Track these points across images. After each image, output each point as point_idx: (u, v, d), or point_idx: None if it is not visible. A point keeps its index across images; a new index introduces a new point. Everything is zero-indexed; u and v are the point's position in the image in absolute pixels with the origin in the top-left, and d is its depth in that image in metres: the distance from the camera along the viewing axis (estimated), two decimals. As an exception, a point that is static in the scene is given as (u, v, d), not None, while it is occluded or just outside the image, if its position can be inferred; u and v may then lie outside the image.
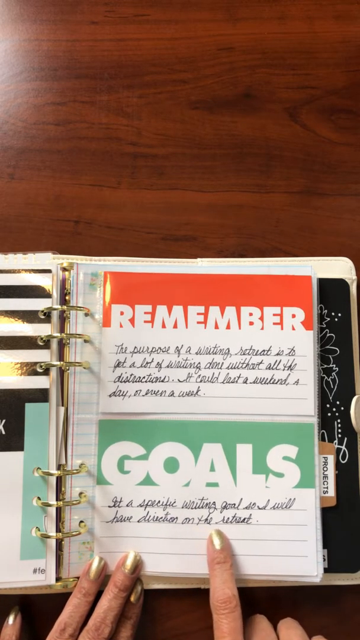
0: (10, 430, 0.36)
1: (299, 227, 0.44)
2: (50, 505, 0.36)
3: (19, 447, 0.36)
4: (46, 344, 0.37)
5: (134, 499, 0.37)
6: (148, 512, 0.37)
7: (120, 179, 0.44)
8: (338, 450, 0.39)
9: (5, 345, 0.37)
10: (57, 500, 0.36)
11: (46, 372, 0.37)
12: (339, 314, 0.40)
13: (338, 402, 0.39)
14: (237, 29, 0.47)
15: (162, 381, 0.38)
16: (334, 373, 0.39)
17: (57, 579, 0.36)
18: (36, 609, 0.38)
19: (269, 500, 0.37)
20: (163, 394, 0.38)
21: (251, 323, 0.38)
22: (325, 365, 0.39)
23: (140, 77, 0.46)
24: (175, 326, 0.38)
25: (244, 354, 0.38)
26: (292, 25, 0.47)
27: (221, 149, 0.45)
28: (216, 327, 0.38)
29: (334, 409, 0.39)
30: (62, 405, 0.37)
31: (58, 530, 0.36)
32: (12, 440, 0.36)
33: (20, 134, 0.44)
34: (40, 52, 0.46)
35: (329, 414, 0.39)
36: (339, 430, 0.39)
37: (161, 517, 0.37)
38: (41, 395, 0.37)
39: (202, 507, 0.37)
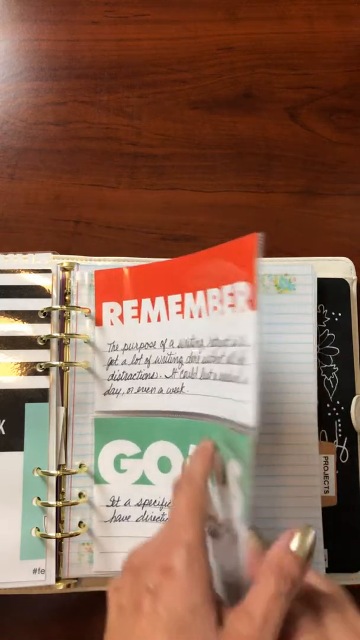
0: (10, 430, 0.36)
1: (299, 227, 0.44)
2: (50, 506, 0.36)
3: (19, 447, 0.36)
4: (46, 344, 0.37)
5: (132, 498, 0.37)
6: (146, 512, 0.36)
7: (120, 179, 0.44)
8: (338, 450, 0.39)
9: (5, 345, 0.37)
10: (56, 500, 0.36)
11: (46, 372, 0.37)
12: (339, 314, 0.40)
13: (338, 402, 0.39)
14: (237, 29, 0.47)
15: (151, 377, 0.37)
16: (334, 373, 0.39)
17: (57, 579, 0.36)
18: (36, 609, 0.38)
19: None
20: (152, 391, 0.37)
21: (215, 308, 0.32)
22: (325, 365, 0.39)
23: (140, 77, 0.46)
24: (158, 319, 0.37)
25: (212, 346, 0.32)
26: (292, 25, 0.47)
27: (221, 149, 0.45)
28: (191, 316, 0.35)
29: (334, 409, 0.39)
30: (62, 405, 0.37)
31: (58, 530, 0.36)
32: (12, 441, 0.36)
33: (20, 133, 0.44)
34: (40, 52, 0.46)
35: (329, 414, 0.39)
36: (339, 430, 0.39)
37: (158, 517, 0.36)
38: (41, 395, 0.37)
39: None
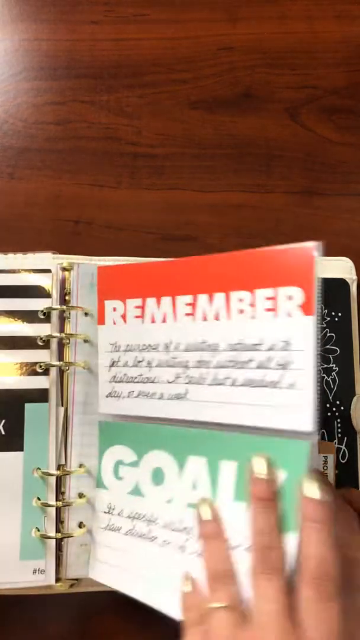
0: (10, 430, 0.36)
1: (299, 227, 0.44)
2: (49, 506, 0.35)
3: (19, 447, 0.36)
4: (46, 344, 0.37)
5: (124, 509, 0.35)
6: (135, 526, 0.34)
7: (120, 179, 0.44)
8: (338, 450, 0.39)
9: (5, 346, 0.37)
10: (56, 500, 0.36)
11: (46, 372, 0.37)
12: (339, 314, 0.40)
13: (338, 402, 0.39)
14: (237, 29, 0.47)
15: (152, 382, 0.34)
16: (334, 373, 0.39)
17: (57, 580, 0.36)
18: (36, 610, 0.38)
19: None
20: (153, 396, 0.34)
21: (241, 311, 0.31)
22: (325, 365, 0.39)
23: (140, 77, 0.46)
24: (164, 320, 0.34)
25: (233, 350, 0.31)
26: (292, 25, 0.47)
27: (221, 149, 0.45)
28: (204, 318, 0.32)
29: (334, 409, 0.39)
30: (62, 405, 0.37)
31: (58, 530, 0.36)
32: (12, 441, 0.36)
33: (20, 133, 0.44)
34: (40, 51, 0.46)
35: (329, 414, 0.39)
36: (339, 430, 0.39)
37: (144, 534, 0.33)
38: (41, 396, 0.37)
39: (180, 530, 0.32)
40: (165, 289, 0.34)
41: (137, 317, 0.35)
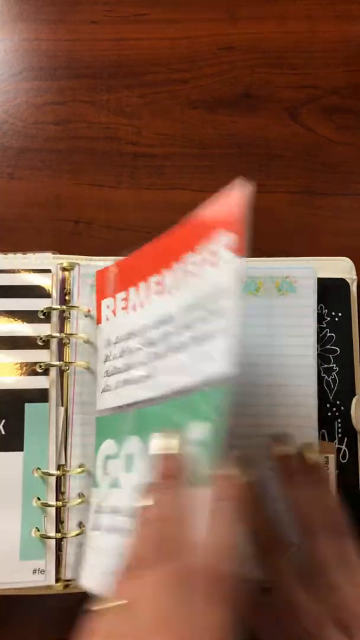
0: (10, 430, 0.36)
1: (299, 227, 0.44)
2: (49, 506, 0.35)
3: (19, 447, 0.36)
4: (46, 344, 0.37)
5: (107, 505, 0.33)
6: (111, 520, 0.32)
7: (120, 179, 0.44)
8: (338, 450, 0.39)
9: (5, 346, 0.37)
10: (56, 500, 0.36)
11: (46, 372, 0.37)
12: (339, 314, 0.40)
13: (338, 402, 0.39)
14: (237, 29, 0.47)
15: (133, 368, 0.33)
16: (334, 373, 0.39)
17: (57, 580, 0.36)
18: (36, 610, 0.38)
19: None
20: (131, 382, 0.33)
21: (193, 274, 0.30)
22: (326, 365, 0.39)
23: (140, 76, 0.46)
24: (141, 305, 0.34)
25: (185, 315, 0.30)
26: (292, 25, 0.47)
27: (221, 148, 0.45)
28: (169, 292, 0.32)
29: (334, 409, 0.39)
30: (62, 405, 0.37)
31: (58, 530, 0.36)
32: (12, 441, 0.36)
33: (20, 133, 0.44)
34: (40, 51, 0.46)
35: (329, 414, 0.39)
36: (339, 430, 0.39)
37: (113, 526, 0.32)
38: (41, 396, 0.37)
39: (129, 515, 0.31)
40: (141, 275, 0.34)
41: (123, 308, 0.35)
